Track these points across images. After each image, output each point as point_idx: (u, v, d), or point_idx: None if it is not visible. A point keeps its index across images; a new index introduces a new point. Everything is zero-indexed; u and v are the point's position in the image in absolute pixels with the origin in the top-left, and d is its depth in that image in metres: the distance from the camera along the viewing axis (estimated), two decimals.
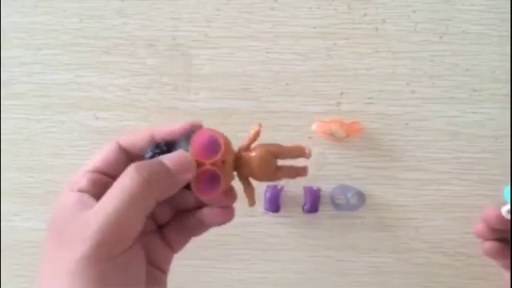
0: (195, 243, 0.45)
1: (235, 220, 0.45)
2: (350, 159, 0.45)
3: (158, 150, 0.29)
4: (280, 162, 0.31)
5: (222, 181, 0.29)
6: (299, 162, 0.32)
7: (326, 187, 0.45)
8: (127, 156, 0.30)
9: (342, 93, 0.45)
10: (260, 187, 0.45)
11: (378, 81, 0.45)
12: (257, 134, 0.31)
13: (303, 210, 0.44)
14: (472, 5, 0.45)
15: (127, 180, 0.27)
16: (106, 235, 0.25)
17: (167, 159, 0.28)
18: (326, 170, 0.45)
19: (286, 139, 0.45)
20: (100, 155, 0.30)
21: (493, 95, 0.44)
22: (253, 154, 0.30)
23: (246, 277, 0.45)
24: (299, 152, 0.31)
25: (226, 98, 0.45)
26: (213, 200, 0.30)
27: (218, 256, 0.45)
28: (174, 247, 0.33)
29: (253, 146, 0.31)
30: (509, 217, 0.38)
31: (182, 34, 0.46)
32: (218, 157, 0.28)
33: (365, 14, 0.45)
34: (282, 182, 0.45)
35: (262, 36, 0.45)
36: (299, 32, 0.45)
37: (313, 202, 0.44)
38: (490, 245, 0.41)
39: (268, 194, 0.44)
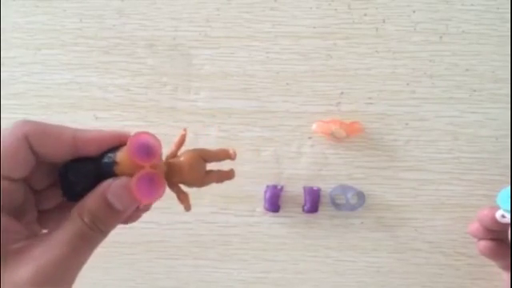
0: (195, 243, 0.46)
1: (235, 220, 0.46)
2: (349, 159, 0.45)
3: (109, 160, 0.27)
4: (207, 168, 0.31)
5: (164, 182, 0.28)
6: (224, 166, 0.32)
7: (326, 187, 0.45)
8: (35, 156, 0.27)
9: (341, 93, 0.45)
10: (260, 187, 0.45)
11: (378, 81, 0.45)
12: (182, 139, 0.30)
13: (303, 209, 0.44)
14: (472, 5, 0.45)
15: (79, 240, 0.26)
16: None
17: (118, 201, 0.26)
18: (326, 169, 0.45)
19: (285, 139, 0.45)
20: (4, 152, 0.25)
21: (493, 95, 0.44)
22: (182, 158, 0.29)
23: (245, 277, 0.45)
24: (225, 154, 0.31)
25: (225, 98, 0.45)
26: (150, 203, 0.29)
27: (218, 256, 0.45)
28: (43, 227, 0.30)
29: (179, 152, 0.30)
30: (503, 221, 0.38)
31: (181, 33, 0.46)
32: (159, 158, 0.28)
33: (365, 14, 0.45)
34: (282, 182, 0.45)
35: (262, 36, 0.45)
36: (299, 32, 0.45)
37: (313, 202, 0.44)
38: (484, 244, 0.41)
39: (268, 194, 0.44)
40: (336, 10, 0.45)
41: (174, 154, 0.30)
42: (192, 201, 0.45)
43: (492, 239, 0.41)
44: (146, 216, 0.46)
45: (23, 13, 0.46)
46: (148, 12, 0.46)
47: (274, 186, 0.44)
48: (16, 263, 0.25)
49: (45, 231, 0.28)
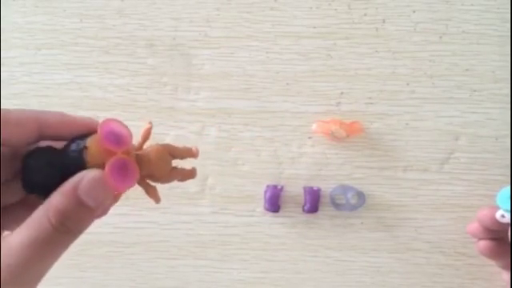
0: (195, 243, 0.46)
1: (235, 220, 0.46)
2: (349, 159, 0.45)
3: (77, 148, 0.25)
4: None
5: (137, 168, 0.27)
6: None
7: (326, 187, 0.45)
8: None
9: (341, 93, 0.45)
10: (260, 187, 0.45)
11: (378, 81, 0.45)
12: (148, 132, 0.29)
13: (303, 209, 0.44)
14: (472, 5, 0.45)
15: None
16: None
17: (89, 198, 0.24)
18: (326, 170, 0.45)
19: (285, 139, 0.45)
20: None
21: (493, 95, 0.44)
22: (149, 150, 0.28)
23: (245, 277, 0.45)
24: (188, 152, 0.30)
25: (225, 97, 0.45)
26: (123, 191, 0.27)
27: (218, 256, 0.45)
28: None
29: (145, 146, 0.29)
30: (502, 221, 0.38)
31: (181, 33, 0.46)
32: (130, 144, 0.27)
33: (365, 14, 0.45)
34: (282, 182, 0.45)
35: (261, 36, 0.45)
36: (299, 32, 0.45)
37: (313, 202, 0.44)
38: (484, 244, 0.41)
39: (268, 194, 0.44)
40: (336, 10, 0.45)
41: (140, 147, 0.29)
42: (192, 201, 0.45)
43: (492, 239, 0.41)
44: (146, 216, 0.46)
45: (23, 13, 0.46)
46: (148, 12, 0.46)
47: (274, 186, 0.44)
48: None
49: (7, 232, 0.25)
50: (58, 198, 0.24)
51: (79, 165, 0.25)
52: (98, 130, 0.26)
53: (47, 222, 0.23)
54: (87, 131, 0.26)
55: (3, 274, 0.22)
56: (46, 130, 0.25)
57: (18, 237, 0.23)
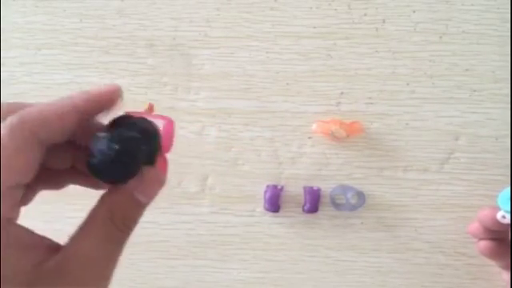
0: (195, 243, 0.46)
1: (235, 220, 0.46)
2: (349, 159, 0.45)
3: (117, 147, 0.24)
4: None
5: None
6: None
7: (326, 187, 0.45)
8: (43, 148, 0.24)
9: (341, 93, 0.45)
10: (260, 187, 0.45)
11: (378, 81, 0.45)
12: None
13: (303, 209, 0.44)
14: (472, 5, 0.45)
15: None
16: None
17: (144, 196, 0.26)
18: (326, 169, 0.45)
19: (285, 139, 0.45)
20: (18, 162, 0.23)
21: (493, 95, 0.44)
22: None
23: (245, 277, 0.45)
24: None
25: (225, 98, 0.45)
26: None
27: (218, 256, 0.45)
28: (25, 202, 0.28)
29: None
30: (503, 221, 0.38)
31: (181, 33, 0.46)
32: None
33: (365, 14, 0.45)
34: (282, 182, 0.45)
35: (261, 36, 0.45)
36: (299, 32, 0.45)
37: (313, 202, 0.44)
38: (484, 244, 0.41)
39: (268, 194, 0.44)
40: (336, 10, 0.45)
41: None
42: (192, 201, 0.45)
43: (492, 239, 0.41)
44: (146, 216, 0.46)
45: (23, 13, 0.46)
46: (148, 12, 0.46)
47: (274, 186, 0.44)
48: (54, 281, 0.23)
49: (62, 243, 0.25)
50: (118, 202, 0.25)
51: (150, 163, 0.26)
52: (167, 134, 0.28)
53: (112, 225, 0.25)
54: (113, 103, 0.27)
55: (82, 277, 0.24)
56: (87, 115, 0.26)
57: (86, 240, 0.25)
